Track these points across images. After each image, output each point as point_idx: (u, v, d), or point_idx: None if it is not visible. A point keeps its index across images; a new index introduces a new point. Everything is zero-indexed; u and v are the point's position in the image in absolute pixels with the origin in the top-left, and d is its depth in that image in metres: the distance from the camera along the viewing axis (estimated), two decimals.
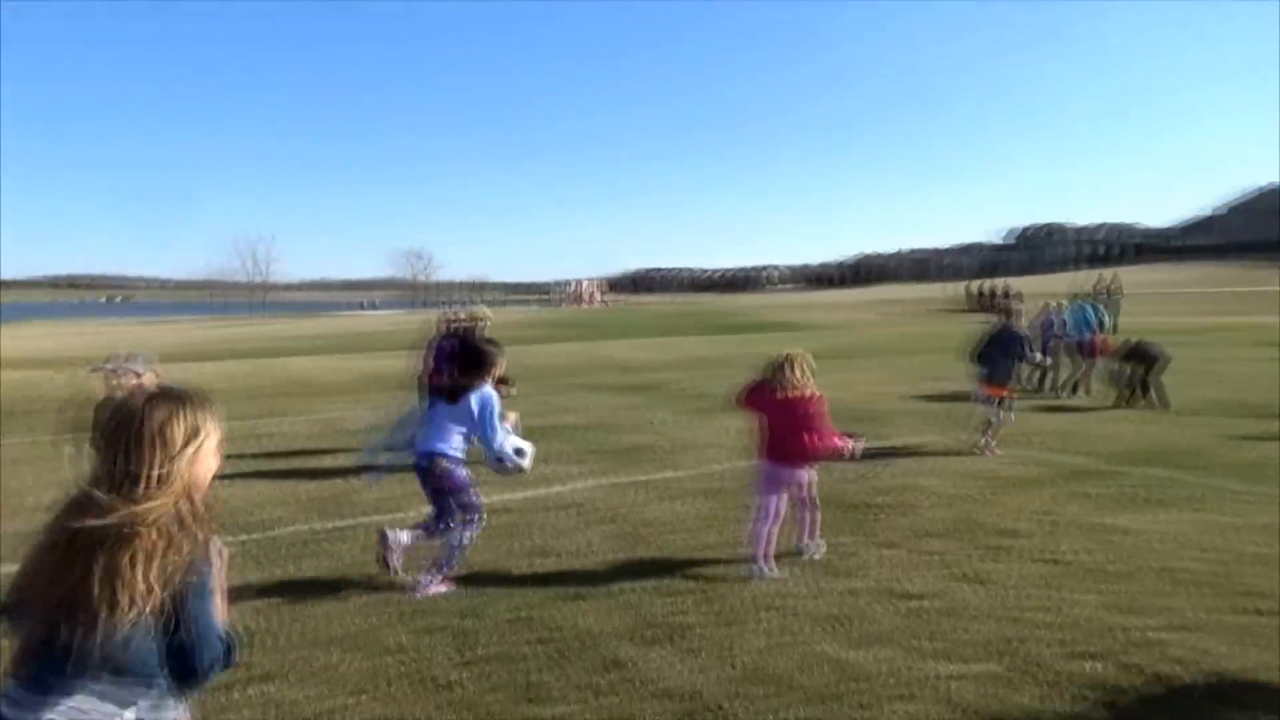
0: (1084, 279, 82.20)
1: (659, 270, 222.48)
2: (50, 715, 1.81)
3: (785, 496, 5.84)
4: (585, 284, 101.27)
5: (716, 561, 5.96)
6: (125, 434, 1.93)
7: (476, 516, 5.55)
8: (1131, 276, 65.07)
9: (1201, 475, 8.22)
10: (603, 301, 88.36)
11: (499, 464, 5.64)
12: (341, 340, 35.27)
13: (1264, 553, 5.81)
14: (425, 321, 11.18)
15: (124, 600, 1.79)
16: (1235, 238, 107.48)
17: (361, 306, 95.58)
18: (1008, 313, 10.55)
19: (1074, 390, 14.15)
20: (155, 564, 1.82)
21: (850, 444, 5.89)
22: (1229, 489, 7.66)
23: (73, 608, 1.80)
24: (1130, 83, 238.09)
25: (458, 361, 7.06)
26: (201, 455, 2.00)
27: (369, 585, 5.50)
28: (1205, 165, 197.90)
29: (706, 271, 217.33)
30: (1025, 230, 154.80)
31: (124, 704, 1.87)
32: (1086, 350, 14.26)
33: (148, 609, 1.82)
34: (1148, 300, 46.06)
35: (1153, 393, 12.79)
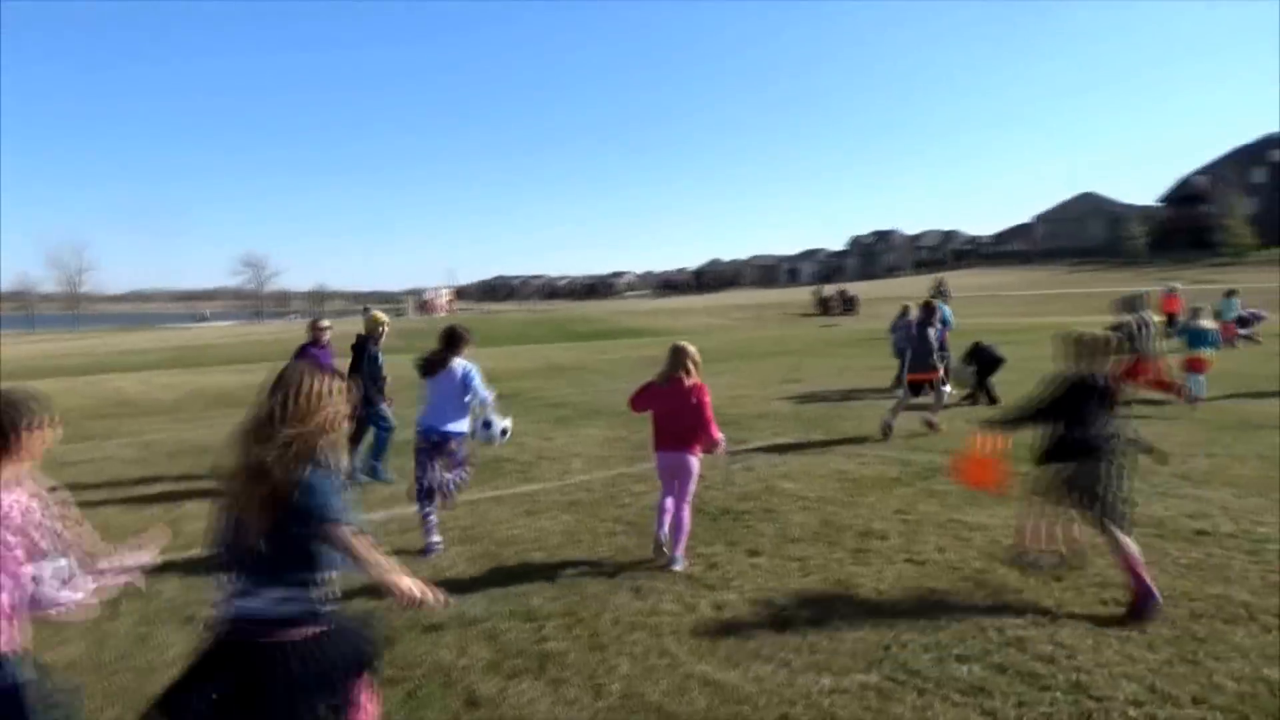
0: (919, 283, 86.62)
1: (513, 278, 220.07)
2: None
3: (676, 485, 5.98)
4: (434, 292, 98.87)
5: (581, 579, 5.67)
6: None
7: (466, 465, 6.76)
8: (956, 280, 69.39)
9: None
10: (450, 310, 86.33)
11: (485, 429, 6.63)
12: (171, 354, 32.79)
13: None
14: (283, 332, 10.30)
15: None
16: (1044, 244, 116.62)
17: (201, 318, 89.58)
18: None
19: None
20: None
21: (721, 438, 6.08)
22: None
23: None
24: (958, 99, 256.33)
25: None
26: None
27: (193, 630, 4.88)
28: (1025, 176, 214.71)
29: (560, 278, 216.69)
30: (859, 238, 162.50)
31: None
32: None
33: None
34: (973, 302, 49.01)
35: (986, 391, 13.45)
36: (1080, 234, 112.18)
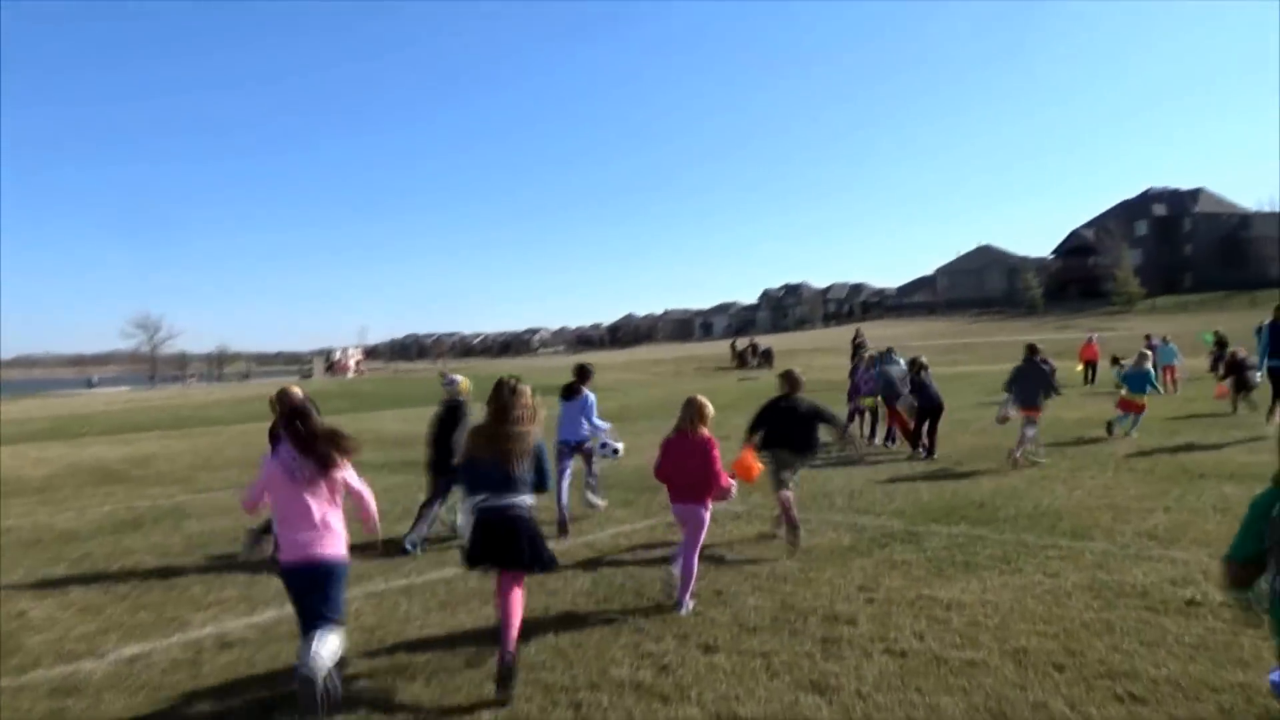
0: (831, 335, 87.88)
1: (425, 336, 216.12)
2: (508, 501, 4.97)
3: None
4: (344, 352, 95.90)
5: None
6: None
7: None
8: (868, 331, 70.74)
9: (998, 530, 8.05)
10: (359, 371, 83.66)
11: (602, 448, 9.12)
12: (50, 424, 30.29)
13: (1100, 618, 5.45)
14: (175, 397, 9.07)
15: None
16: (944, 295, 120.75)
17: (89, 384, 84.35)
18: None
19: (887, 440, 14.52)
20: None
21: (734, 484, 6.34)
22: (1028, 543, 7.49)
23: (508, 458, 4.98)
24: (863, 156, 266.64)
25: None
26: None
27: None
28: (927, 230, 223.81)
29: (475, 336, 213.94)
30: (770, 291, 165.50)
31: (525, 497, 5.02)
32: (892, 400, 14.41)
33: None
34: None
35: (924, 441, 13.11)
36: (980, 285, 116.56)
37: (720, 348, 68.99)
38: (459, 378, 9.46)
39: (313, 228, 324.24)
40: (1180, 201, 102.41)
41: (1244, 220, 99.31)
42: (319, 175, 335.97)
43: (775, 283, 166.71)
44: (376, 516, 5.13)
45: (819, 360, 54.08)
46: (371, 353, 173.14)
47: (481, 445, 5.12)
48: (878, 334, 76.00)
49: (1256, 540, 2.94)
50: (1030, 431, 11.84)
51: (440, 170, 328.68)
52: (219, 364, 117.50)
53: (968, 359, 47.83)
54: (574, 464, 9.42)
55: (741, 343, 60.34)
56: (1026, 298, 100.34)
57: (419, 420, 25.81)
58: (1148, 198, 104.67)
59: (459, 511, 7.49)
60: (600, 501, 9.79)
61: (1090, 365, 26.49)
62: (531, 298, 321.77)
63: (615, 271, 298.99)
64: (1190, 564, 6.62)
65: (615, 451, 8.97)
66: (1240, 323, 42.17)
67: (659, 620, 5.89)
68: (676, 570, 6.13)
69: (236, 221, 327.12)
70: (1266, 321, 13.82)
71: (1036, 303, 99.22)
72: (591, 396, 9.44)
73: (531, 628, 5.75)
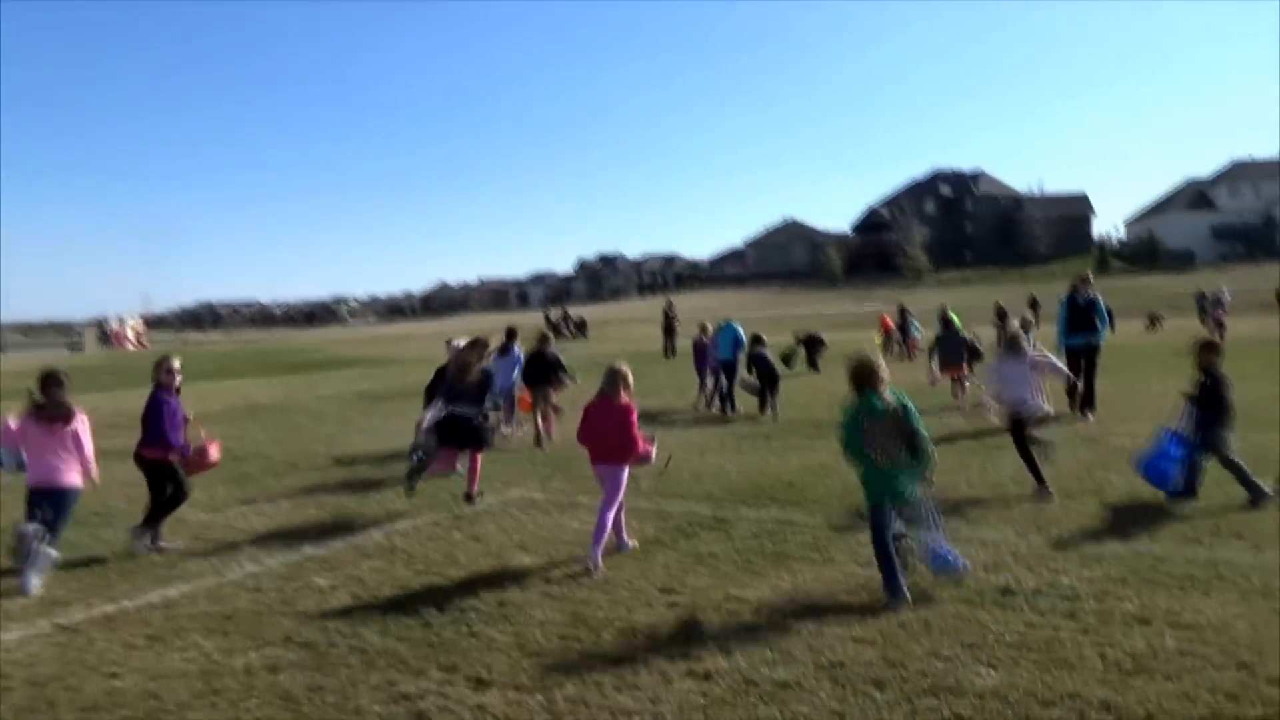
0: (647, 305, 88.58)
1: (221, 305, 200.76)
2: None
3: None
4: (120, 321, 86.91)
5: None
6: None
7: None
8: (681, 302, 71.66)
9: (809, 513, 7.60)
10: (140, 344, 76.05)
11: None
12: None
13: (917, 617, 4.96)
14: None
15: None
16: (753, 268, 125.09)
17: None
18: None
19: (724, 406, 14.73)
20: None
21: (652, 447, 6.77)
22: (841, 528, 7.05)
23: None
24: (676, 128, 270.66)
25: None
26: None
27: None
28: (737, 204, 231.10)
29: (276, 305, 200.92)
30: (586, 261, 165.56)
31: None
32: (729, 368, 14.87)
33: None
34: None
35: (770, 407, 14.02)
36: (786, 258, 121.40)
37: (538, 318, 67.83)
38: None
39: (90, 187, 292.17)
40: (963, 183, 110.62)
41: (1017, 202, 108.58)
42: (95, 118, 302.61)
43: (590, 253, 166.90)
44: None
45: (634, 331, 54.17)
46: (158, 322, 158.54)
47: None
48: (691, 305, 77.19)
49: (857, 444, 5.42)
50: (967, 385, 14.14)
51: (235, 127, 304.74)
52: None
53: (783, 328, 49.23)
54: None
55: (555, 313, 59.41)
56: (828, 270, 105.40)
57: (193, 398, 22.75)
58: (935, 178, 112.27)
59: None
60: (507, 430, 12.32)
61: (889, 336, 27.68)
62: (336, 263, 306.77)
63: (425, 237, 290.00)
64: (1000, 545, 6.35)
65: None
66: (1014, 294, 45.73)
67: (424, 635, 4.92)
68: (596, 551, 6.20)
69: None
70: (1063, 296, 12.17)
71: (837, 275, 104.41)
72: (519, 351, 12.83)
73: (261, 666, 4.61)
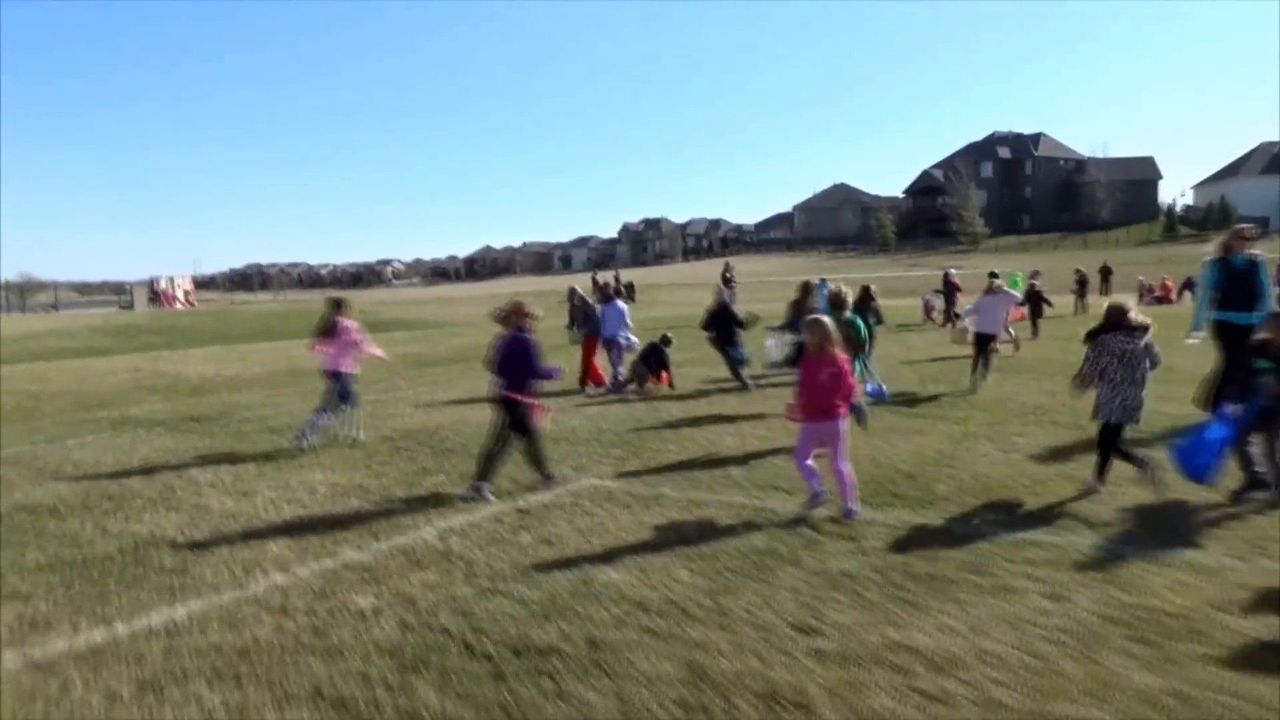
0: (695, 269, 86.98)
1: (269, 266, 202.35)
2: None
3: None
4: (170, 281, 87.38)
5: None
6: None
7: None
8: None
9: (947, 518, 6.25)
10: (188, 303, 76.30)
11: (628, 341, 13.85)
12: None
13: (1148, 685, 3.61)
14: None
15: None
16: (801, 232, 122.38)
17: None
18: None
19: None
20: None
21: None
22: (998, 540, 5.70)
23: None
24: (720, 93, 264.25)
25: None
26: None
27: None
28: (784, 167, 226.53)
29: (323, 267, 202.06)
30: (630, 225, 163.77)
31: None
32: None
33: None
34: (746, 289, 48.69)
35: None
36: (835, 223, 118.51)
37: (582, 281, 66.64)
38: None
39: (143, 153, 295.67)
40: (1023, 145, 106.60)
41: (1079, 165, 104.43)
42: (153, 85, 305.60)
43: (634, 217, 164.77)
44: None
45: (684, 295, 52.71)
46: (208, 283, 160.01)
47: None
48: (739, 269, 75.51)
49: None
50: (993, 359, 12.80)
51: (283, 96, 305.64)
52: (24, 294, 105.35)
53: None
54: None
55: (604, 275, 58.07)
56: (879, 236, 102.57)
57: (233, 360, 22.17)
58: (993, 140, 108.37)
59: None
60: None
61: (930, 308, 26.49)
62: (383, 228, 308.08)
63: (471, 203, 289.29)
64: (1219, 564, 4.96)
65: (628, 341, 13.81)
66: (1076, 262, 43.38)
67: (498, 712, 3.69)
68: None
69: (57, 137, 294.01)
70: (1212, 256, 9.08)
71: (889, 241, 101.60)
72: (624, 306, 14.34)
73: None
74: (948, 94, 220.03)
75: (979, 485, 7.05)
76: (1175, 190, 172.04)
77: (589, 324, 14.14)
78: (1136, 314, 6.57)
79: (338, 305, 9.83)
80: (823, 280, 15.65)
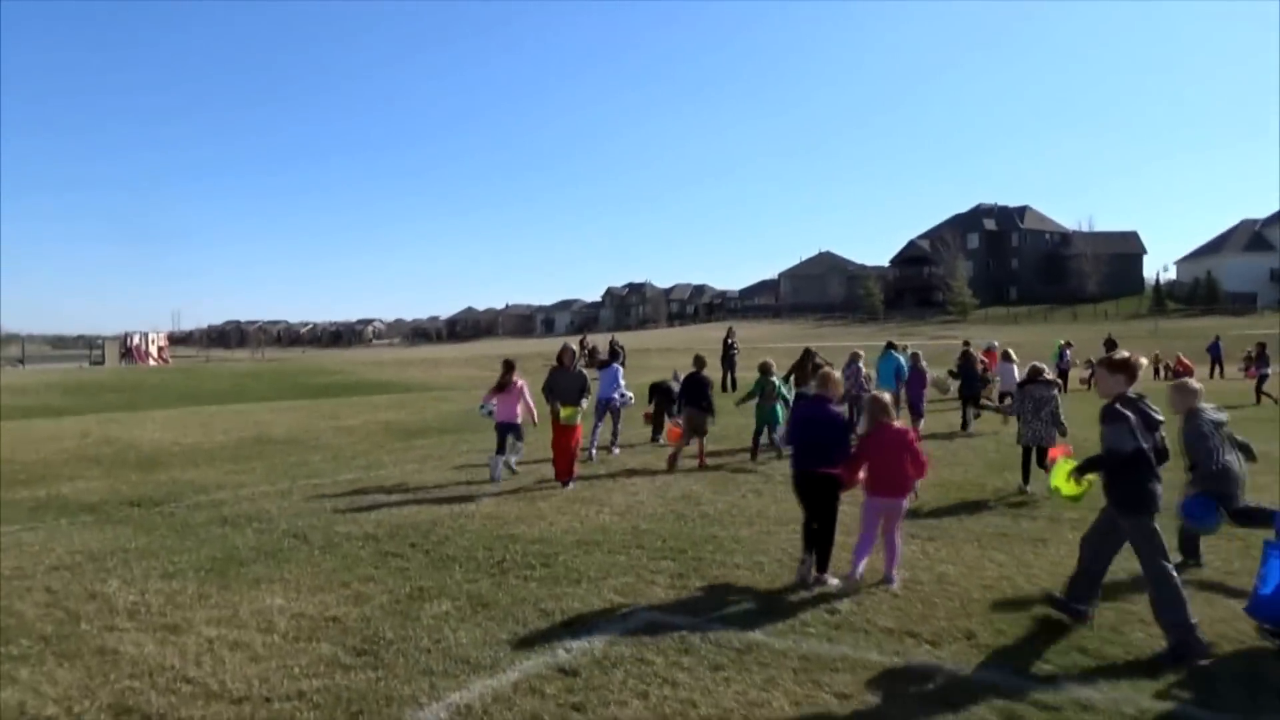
0: (679, 334, 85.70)
1: (248, 323, 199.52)
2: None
3: None
4: (144, 337, 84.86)
5: None
6: None
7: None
8: (715, 332, 68.55)
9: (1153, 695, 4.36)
10: (161, 360, 73.79)
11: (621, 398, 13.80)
12: None
13: None
14: None
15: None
16: (788, 299, 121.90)
17: None
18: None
19: None
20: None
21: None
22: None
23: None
24: (702, 156, 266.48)
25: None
26: None
27: None
28: (769, 234, 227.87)
29: (302, 325, 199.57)
30: (613, 289, 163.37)
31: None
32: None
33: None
34: (747, 353, 46.93)
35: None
36: (822, 290, 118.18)
37: (565, 343, 64.79)
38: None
39: (118, 210, 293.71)
40: (1009, 217, 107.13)
41: (1064, 239, 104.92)
42: (132, 138, 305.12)
43: (618, 281, 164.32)
44: None
45: (675, 360, 50.95)
46: (185, 339, 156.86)
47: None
48: (721, 336, 74.12)
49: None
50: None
51: (264, 153, 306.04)
52: None
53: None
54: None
55: (594, 339, 56.34)
56: (867, 304, 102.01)
57: (196, 425, 19.71)
58: (978, 212, 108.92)
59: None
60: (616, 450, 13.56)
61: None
62: (365, 288, 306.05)
63: (453, 263, 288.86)
64: None
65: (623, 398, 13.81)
66: (1068, 335, 42.11)
67: None
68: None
69: (36, 195, 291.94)
70: None
71: (877, 309, 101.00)
72: (619, 368, 14.43)
73: None
74: (933, 165, 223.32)
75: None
76: (1159, 265, 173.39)
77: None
78: (1049, 372, 10.27)
79: (511, 367, 11.39)
80: (890, 344, 16.95)
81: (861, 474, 6.33)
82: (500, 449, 11.03)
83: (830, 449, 6.30)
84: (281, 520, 8.77)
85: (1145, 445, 4.82)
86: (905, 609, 5.65)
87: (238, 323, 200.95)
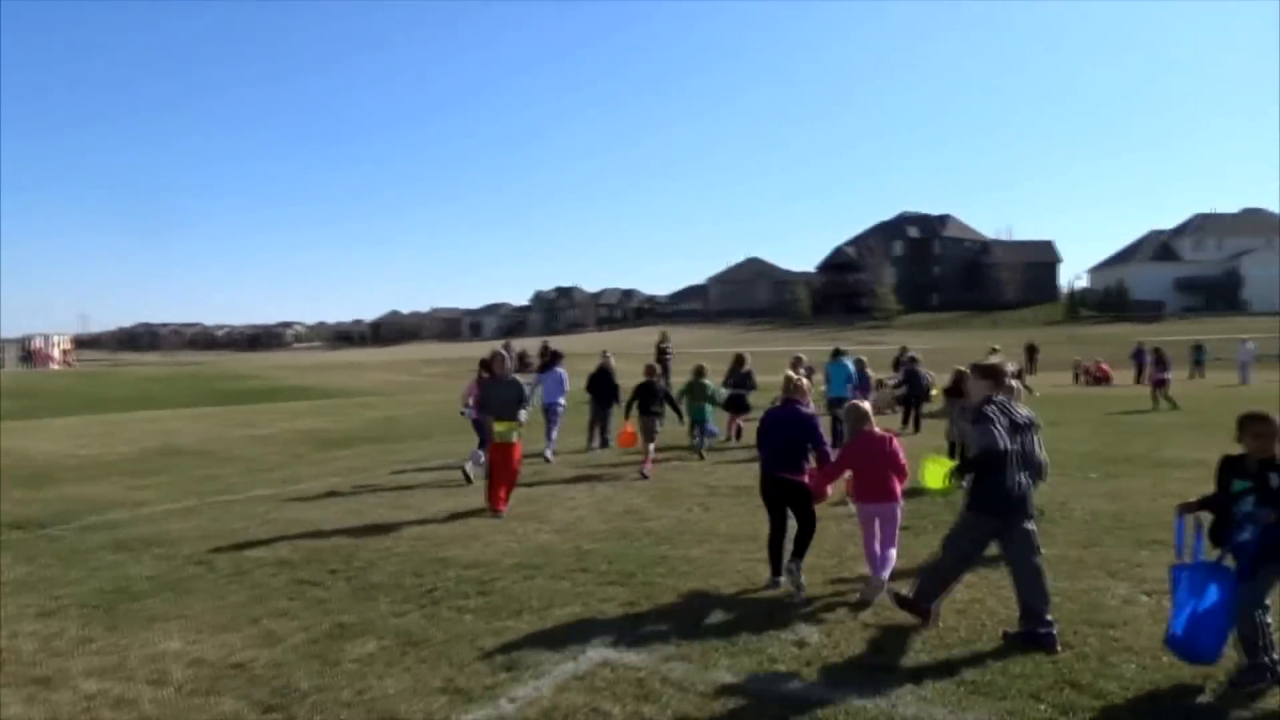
0: (609, 338, 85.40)
1: (160, 326, 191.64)
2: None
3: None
4: (46, 339, 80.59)
5: None
6: None
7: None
8: (646, 337, 68.27)
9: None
10: (66, 363, 70.08)
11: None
12: None
13: None
14: None
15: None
16: (716, 304, 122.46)
17: None
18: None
19: None
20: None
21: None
22: None
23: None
24: (632, 160, 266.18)
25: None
26: None
27: None
28: (698, 242, 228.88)
29: (219, 328, 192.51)
30: (542, 293, 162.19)
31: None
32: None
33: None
34: (681, 358, 46.66)
35: None
36: (750, 296, 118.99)
37: (492, 348, 63.72)
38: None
39: (28, 206, 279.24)
40: (930, 225, 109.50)
41: (985, 247, 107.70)
42: (57, 128, 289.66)
43: (546, 285, 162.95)
44: None
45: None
46: (91, 342, 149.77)
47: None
48: (654, 340, 73.84)
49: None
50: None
51: (186, 148, 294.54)
52: None
53: (755, 364, 45.86)
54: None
55: (522, 344, 55.36)
56: (795, 309, 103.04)
57: (97, 434, 18.10)
58: (903, 220, 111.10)
59: None
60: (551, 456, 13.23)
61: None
62: (286, 290, 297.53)
63: (378, 266, 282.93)
64: None
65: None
66: (989, 340, 42.98)
67: None
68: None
69: None
70: None
71: (805, 315, 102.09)
72: (563, 373, 14.49)
73: None
74: (859, 173, 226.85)
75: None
76: (1072, 273, 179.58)
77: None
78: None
79: (489, 365, 10.90)
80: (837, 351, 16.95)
81: (845, 483, 6.40)
82: (482, 444, 10.86)
83: (802, 449, 6.39)
84: (184, 544, 7.92)
85: (1013, 446, 5.05)
86: (878, 639, 5.20)
87: (149, 325, 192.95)
